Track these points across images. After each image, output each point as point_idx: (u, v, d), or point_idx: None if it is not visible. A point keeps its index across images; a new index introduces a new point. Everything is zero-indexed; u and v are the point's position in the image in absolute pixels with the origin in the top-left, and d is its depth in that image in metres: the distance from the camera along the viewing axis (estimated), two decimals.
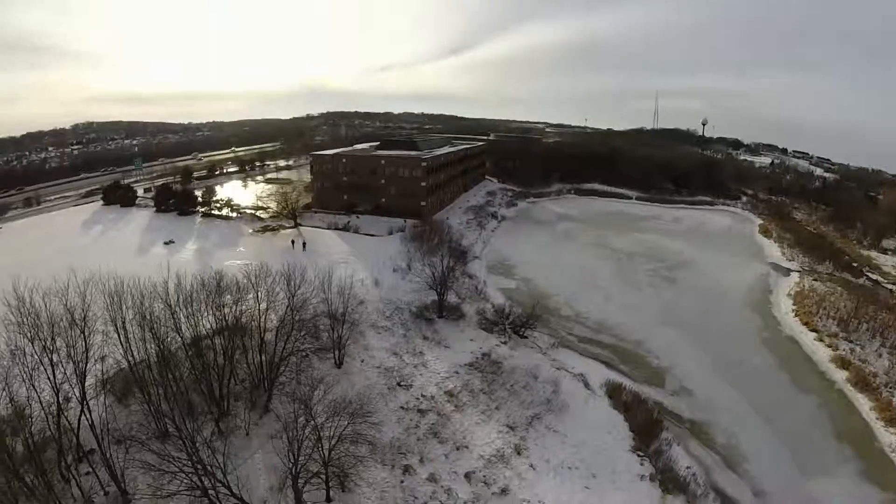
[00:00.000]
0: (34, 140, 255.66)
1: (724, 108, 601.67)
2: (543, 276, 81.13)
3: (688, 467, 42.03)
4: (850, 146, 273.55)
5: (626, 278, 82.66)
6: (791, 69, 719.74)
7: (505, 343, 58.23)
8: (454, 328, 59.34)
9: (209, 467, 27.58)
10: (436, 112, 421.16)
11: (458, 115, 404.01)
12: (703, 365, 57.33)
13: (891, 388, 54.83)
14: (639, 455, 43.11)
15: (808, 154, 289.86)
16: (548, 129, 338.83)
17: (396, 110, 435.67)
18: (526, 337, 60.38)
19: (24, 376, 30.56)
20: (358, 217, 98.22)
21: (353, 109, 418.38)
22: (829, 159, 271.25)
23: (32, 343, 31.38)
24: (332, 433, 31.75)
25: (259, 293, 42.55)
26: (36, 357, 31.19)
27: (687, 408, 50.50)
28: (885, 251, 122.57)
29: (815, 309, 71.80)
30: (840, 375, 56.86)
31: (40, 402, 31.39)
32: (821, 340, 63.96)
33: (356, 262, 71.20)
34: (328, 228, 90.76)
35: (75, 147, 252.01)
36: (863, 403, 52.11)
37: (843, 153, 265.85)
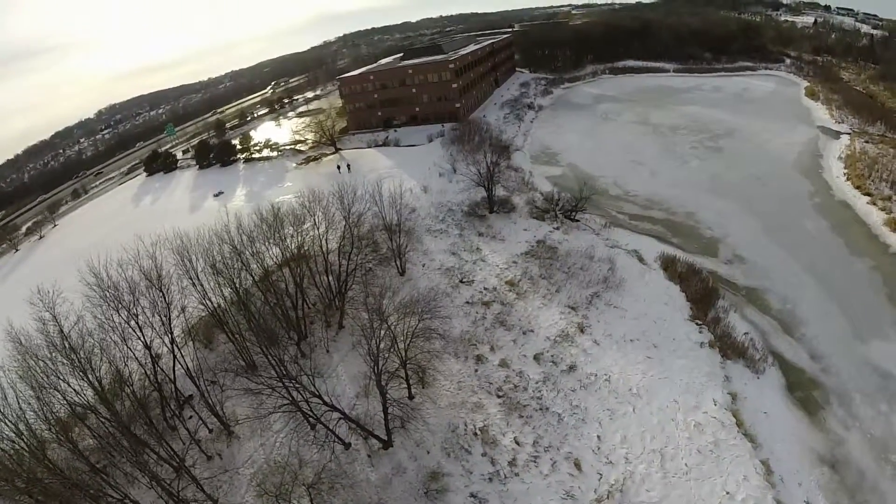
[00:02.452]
0: (65, 137, 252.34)
1: None
2: (588, 160, 79.19)
3: (745, 333, 42.28)
4: None
5: (671, 153, 79.81)
6: None
7: (558, 228, 57.98)
8: (507, 221, 59.08)
9: (297, 382, 28.44)
10: (455, 13, 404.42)
11: (479, 12, 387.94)
12: (756, 232, 55.98)
13: None
14: (697, 324, 43.39)
15: (853, 10, 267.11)
16: (574, 12, 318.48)
17: (414, 19, 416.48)
18: (577, 220, 59.88)
19: (118, 342, 31.80)
20: (395, 130, 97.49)
21: (369, 27, 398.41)
22: (876, 15, 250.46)
23: (118, 312, 32.31)
24: (405, 333, 32.25)
25: (316, 217, 43.07)
26: (124, 323, 32.22)
27: (742, 275, 49.90)
28: None
29: (868, 172, 68.30)
30: (894, 239, 54.63)
31: (137, 360, 33.00)
32: (874, 204, 61.05)
33: (402, 173, 70.50)
34: (368, 147, 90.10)
35: (105, 131, 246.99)
36: None
37: (892, 7, 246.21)
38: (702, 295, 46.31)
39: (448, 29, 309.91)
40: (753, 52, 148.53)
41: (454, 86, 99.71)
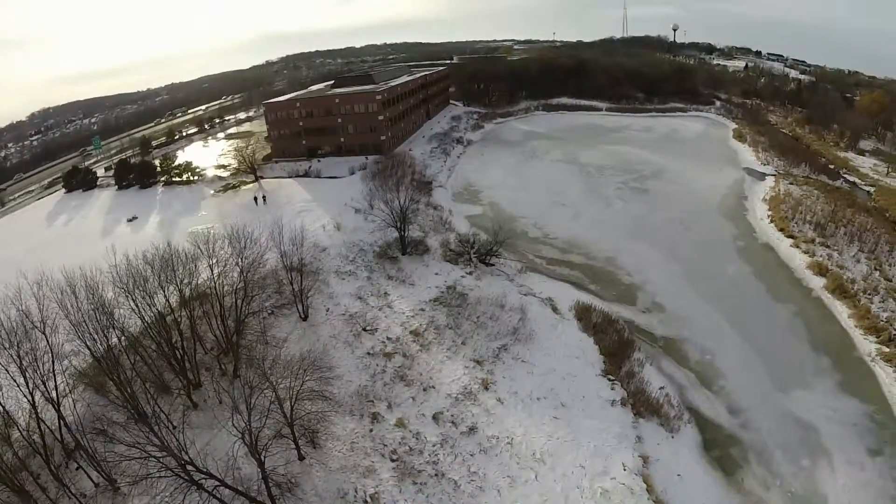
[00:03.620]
0: None
1: (697, 12, 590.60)
2: (510, 199, 78.76)
3: (661, 388, 41.15)
4: (826, 47, 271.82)
5: (596, 193, 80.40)
6: None
7: (470, 273, 56.80)
8: (419, 263, 57.90)
9: (177, 448, 26.89)
10: (400, 41, 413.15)
11: (424, 42, 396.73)
12: (676, 278, 55.88)
13: (869, 294, 54.01)
14: (609, 379, 41.92)
15: (782, 56, 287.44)
16: (516, 47, 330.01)
17: (359, 44, 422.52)
18: (492, 265, 58.63)
19: None
20: (319, 161, 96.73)
21: (316, 49, 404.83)
22: (804, 61, 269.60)
23: None
24: (291, 393, 31.24)
25: (211, 259, 41.46)
26: (2, 369, 31.39)
27: (660, 325, 49.11)
28: (862, 152, 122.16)
29: (791, 214, 70.39)
30: (817, 283, 55.93)
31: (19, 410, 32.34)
32: (797, 247, 62.76)
33: (318, 208, 70.17)
34: (290, 177, 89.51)
35: (34, 137, 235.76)
36: (840, 311, 51.37)
37: (819, 54, 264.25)
38: (617, 347, 45.16)
39: (391, 57, 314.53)
40: (685, 93, 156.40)
41: (381, 117, 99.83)
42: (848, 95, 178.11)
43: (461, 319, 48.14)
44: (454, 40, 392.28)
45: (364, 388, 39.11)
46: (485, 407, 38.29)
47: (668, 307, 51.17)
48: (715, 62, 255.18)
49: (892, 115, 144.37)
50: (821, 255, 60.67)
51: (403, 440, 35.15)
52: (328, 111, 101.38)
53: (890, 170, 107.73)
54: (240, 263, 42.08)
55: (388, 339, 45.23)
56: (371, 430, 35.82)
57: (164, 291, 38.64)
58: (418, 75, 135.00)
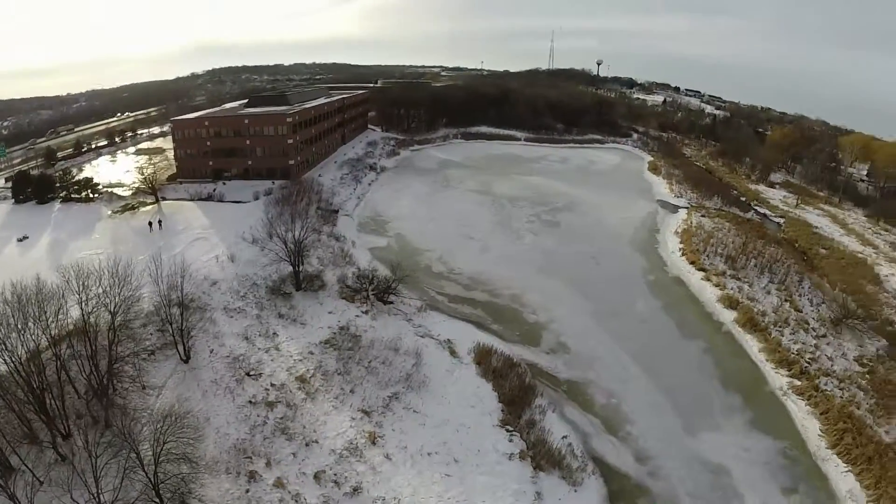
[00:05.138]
0: None
1: (621, 48, 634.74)
2: (418, 231, 77.22)
3: (564, 437, 39.94)
4: (741, 85, 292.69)
5: (507, 226, 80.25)
6: (688, 11, 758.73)
7: (366, 313, 54.68)
8: (313, 301, 55.31)
9: None
10: (330, 61, 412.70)
11: (353, 64, 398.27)
12: (584, 316, 55.50)
13: (780, 326, 55.51)
14: (508, 430, 40.38)
15: (700, 92, 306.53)
16: (443, 74, 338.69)
17: (289, 62, 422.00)
18: (391, 302, 56.60)
19: None
20: (225, 184, 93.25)
21: (244, 63, 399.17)
22: (720, 97, 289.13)
23: None
24: (154, 454, 29.50)
25: (82, 295, 38.47)
26: None
27: (564, 367, 48.09)
28: (772, 185, 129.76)
29: (703, 247, 72.20)
30: (728, 316, 57.08)
31: None
32: (708, 280, 64.22)
33: (215, 235, 67.00)
34: (192, 200, 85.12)
35: None
36: (751, 345, 52.44)
37: (734, 91, 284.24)
38: (517, 393, 43.70)
39: (317, 77, 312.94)
40: (604, 125, 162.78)
41: (290, 141, 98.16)
42: (760, 130, 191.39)
43: (351, 364, 45.95)
44: (384, 63, 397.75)
45: (242, 443, 36.61)
46: (371, 464, 36.16)
47: (573, 348, 50.40)
48: (635, 96, 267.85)
49: (801, 149, 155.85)
50: (731, 288, 62.16)
51: (282, 502, 32.87)
52: (237, 132, 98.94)
53: (799, 201, 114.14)
54: (115, 300, 38.97)
55: (273, 385, 42.63)
56: (247, 492, 33.41)
57: (29, 332, 35.38)
58: (335, 98, 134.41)
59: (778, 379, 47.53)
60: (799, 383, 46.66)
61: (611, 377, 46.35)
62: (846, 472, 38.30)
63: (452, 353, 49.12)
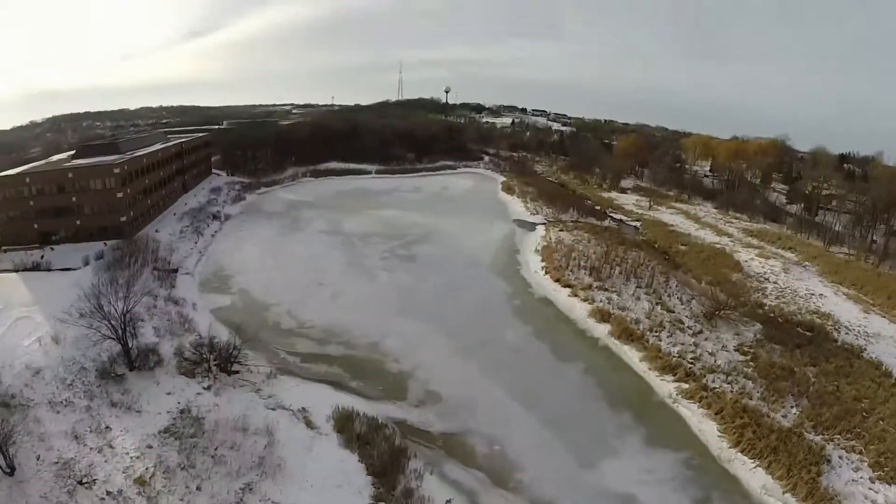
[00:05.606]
0: None
1: (468, 74, 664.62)
2: (264, 283, 69.60)
3: (448, 501, 34.95)
4: (584, 102, 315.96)
5: (359, 266, 74.94)
6: (530, 37, 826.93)
7: (209, 388, 46.57)
8: (149, 381, 46.64)
9: None
10: (178, 104, 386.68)
11: (202, 105, 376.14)
12: (451, 357, 51.17)
13: (656, 331, 54.72)
14: None
15: (546, 111, 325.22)
16: (294, 111, 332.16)
17: (135, 105, 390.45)
18: (236, 372, 48.44)
19: None
20: (53, 249, 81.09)
21: (87, 109, 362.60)
22: (565, 114, 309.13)
23: None
24: None
25: None
26: None
27: (437, 419, 42.83)
28: (624, 191, 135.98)
29: (565, 262, 71.10)
30: (602, 330, 55.69)
31: None
32: (576, 295, 62.75)
33: (39, 313, 56.70)
34: (16, 271, 72.95)
35: None
36: (631, 356, 51.36)
37: (578, 107, 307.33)
38: (388, 460, 37.86)
39: (164, 121, 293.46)
40: (455, 151, 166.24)
41: (119, 195, 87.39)
42: (606, 141, 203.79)
43: (196, 455, 38.34)
44: (233, 104, 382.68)
45: None
46: None
47: (444, 395, 45.36)
48: (484, 120, 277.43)
49: (647, 155, 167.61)
50: (601, 301, 60.90)
51: None
52: (61, 188, 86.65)
53: (652, 203, 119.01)
54: None
55: (109, 493, 34.84)
56: None
57: None
58: (173, 143, 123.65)
59: (665, 386, 46.43)
60: (687, 386, 45.81)
61: (490, 421, 41.92)
62: (755, 467, 37.81)
63: (309, 423, 42.36)
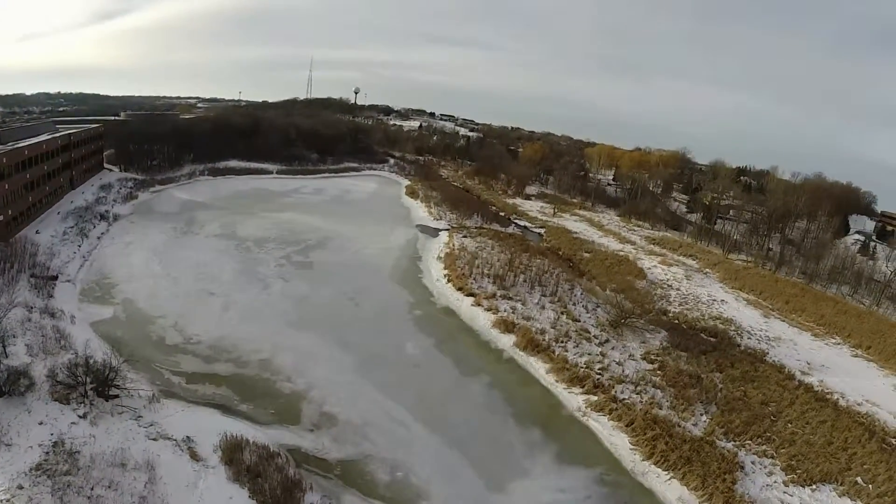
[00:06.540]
0: None
1: (381, 77, 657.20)
2: (150, 292, 63.24)
3: None
4: (492, 109, 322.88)
5: (253, 273, 70.13)
6: (447, 44, 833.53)
7: (85, 416, 40.36)
8: (20, 408, 39.88)
9: None
10: (77, 90, 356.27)
11: (102, 94, 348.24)
12: (347, 373, 47.98)
13: (562, 342, 53.99)
14: None
15: (454, 116, 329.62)
16: (199, 105, 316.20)
17: (31, 91, 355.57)
18: (115, 396, 42.48)
19: None
20: None
21: None
22: (473, 120, 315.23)
23: None
24: None
25: None
26: None
27: (333, 445, 39.38)
28: (528, 197, 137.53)
29: (469, 269, 69.85)
30: (507, 341, 54.46)
31: None
32: (479, 305, 61.33)
33: None
34: None
35: None
36: (538, 368, 50.28)
37: (485, 114, 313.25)
38: (281, 494, 34.03)
39: (61, 109, 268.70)
40: (361, 152, 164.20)
41: None
42: (512, 148, 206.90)
43: (70, 495, 32.62)
44: (137, 94, 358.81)
45: None
46: None
47: (340, 417, 41.98)
48: (392, 122, 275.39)
49: (552, 162, 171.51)
50: (505, 310, 59.75)
51: None
52: None
53: (556, 210, 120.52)
54: None
55: None
56: None
57: None
58: (61, 134, 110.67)
59: (573, 399, 45.51)
60: (596, 398, 45.11)
61: (391, 444, 39.17)
62: (670, 479, 37.26)
63: (194, 455, 37.73)
